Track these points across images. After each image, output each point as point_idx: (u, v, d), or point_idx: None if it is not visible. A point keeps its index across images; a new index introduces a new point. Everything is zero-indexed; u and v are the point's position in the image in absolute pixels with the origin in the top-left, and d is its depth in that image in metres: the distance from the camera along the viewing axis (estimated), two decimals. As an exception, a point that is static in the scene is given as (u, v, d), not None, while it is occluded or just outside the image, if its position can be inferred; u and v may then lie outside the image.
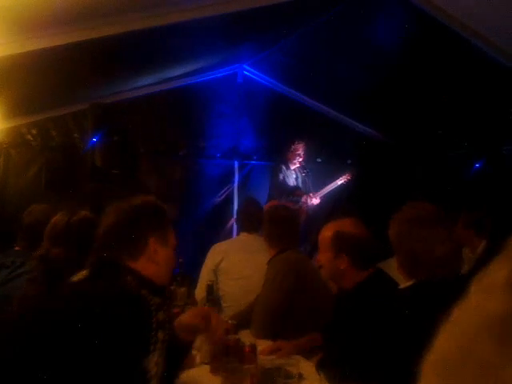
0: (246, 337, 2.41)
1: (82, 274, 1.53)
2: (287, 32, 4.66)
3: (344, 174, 5.84)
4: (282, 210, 3.03)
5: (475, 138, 5.31)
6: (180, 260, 3.36)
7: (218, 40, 4.42)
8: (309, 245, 5.72)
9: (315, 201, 5.65)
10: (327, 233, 2.23)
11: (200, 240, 4.82)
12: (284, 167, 5.60)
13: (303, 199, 5.53)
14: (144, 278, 1.55)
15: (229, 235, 5.51)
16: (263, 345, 2.42)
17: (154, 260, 1.59)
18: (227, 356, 2.06)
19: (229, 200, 5.89)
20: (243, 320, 2.70)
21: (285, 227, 2.88)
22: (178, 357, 1.74)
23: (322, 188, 5.79)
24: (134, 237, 1.57)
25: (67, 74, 3.94)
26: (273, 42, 4.97)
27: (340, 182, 5.78)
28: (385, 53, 4.41)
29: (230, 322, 2.39)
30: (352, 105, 5.80)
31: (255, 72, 5.83)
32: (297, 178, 5.64)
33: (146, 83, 5.06)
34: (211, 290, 2.74)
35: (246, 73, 5.81)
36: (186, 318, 1.83)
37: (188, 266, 3.70)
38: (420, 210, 1.81)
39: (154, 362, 1.40)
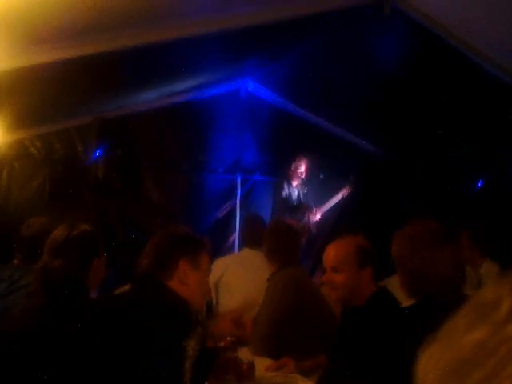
0: (244, 354, 2.39)
1: (125, 289, 1.82)
2: (291, 48, 4.69)
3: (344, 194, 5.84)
4: (283, 226, 3.03)
5: (478, 153, 5.31)
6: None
7: (222, 55, 4.45)
8: (311, 261, 5.70)
9: (317, 217, 5.64)
10: (347, 248, 2.20)
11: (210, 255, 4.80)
12: (286, 183, 5.60)
13: (306, 216, 5.52)
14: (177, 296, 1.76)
15: (231, 250, 5.49)
16: (262, 362, 2.40)
17: (183, 281, 1.78)
18: (225, 374, 2.04)
19: (231, 215, 5.87)
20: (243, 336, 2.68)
21: (285, 243, 2.87)
22: (207, 362, 1.97)
23: (324, 204, 5.78)
24: (166, 258, 1.80)
25: (71, 88, 3.96)
26: (276, 58, 4.99)
27: (340, 196, 5.75)
28: (387, 69, 4.43)
29: (228, 338, 2.37)
30: (354, 121, 5.81)
31: (259, 87, 5.86)
32: (299, 195, 5.64)
33: (150, 98, 5.08)
34: (210, 306, 2.73)
35: (249, 88, 5.83)
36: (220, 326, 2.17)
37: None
38: (424, 228, 1.79)
39: (192, 346, 1.65)
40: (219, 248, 5.39)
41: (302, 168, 5.60)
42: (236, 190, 6.01)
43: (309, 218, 5.53)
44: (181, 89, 5.18)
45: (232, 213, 5.90)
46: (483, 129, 4.77)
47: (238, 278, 3.15)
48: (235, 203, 5.96)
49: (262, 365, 2.36)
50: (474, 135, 4.94)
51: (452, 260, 1.71)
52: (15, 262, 2.58)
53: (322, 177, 6.19)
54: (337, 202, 5.79)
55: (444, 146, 5.43)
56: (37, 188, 4.80)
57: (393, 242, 1.85)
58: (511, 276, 0.33)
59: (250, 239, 3.40)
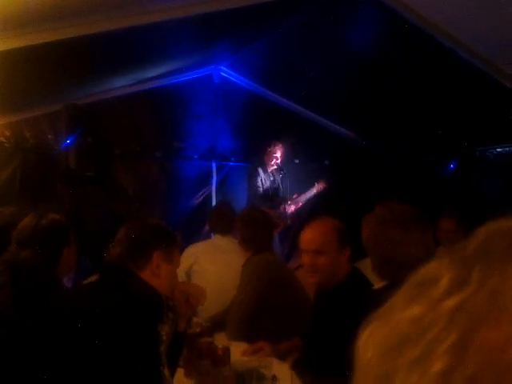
0: (221, 339, 2.40)
1: (93, 279, 1.84)
2: (263, 33, 4.67)
3: (320, 178, 5.83)
4: (255, 213, 3.03)
5: (449, 140, 5.38)
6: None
7: (193, 40, 4.40)
8: (286, 247, 5.73)
9: (292, 207, 5.64)
10: (327, 229, 2.21)
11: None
12: (261, 169, 5.58)
13: (281, 208, 5.49)
14: (148, 284, 1.77)
15: (207, 237, 5.48)
16: (238, 346, 2.41)
17: (155, 273, 1.80)
18: (200, 359, 2.05)
19: (207, 202, 5.85)
20: (218, 322, 2.69)
21: (258, 231, 2.88)
22: (178, 347, 1.99)
23: (299, 189, 5.79)
24: (140, 249, 1.81)
25: (41, 75, 3.88)
26: (248, 43, 4.96)
27: (315, 191, 5.75)
28: (361, 55, 4.44)
29: (204, 324, 2.38)
30: (328, 106, 5.83)
31: (232, 73, 5.82)
32: (274, 181, 5.63)
33: (122, 84, 5.01)
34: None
35: (222, 74, 5.79)
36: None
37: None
38: (393, 211, 1.79)
39: (165, 331, 1.69)
40: (194, 235, 5.37)
41: (277, 153, 5.58)
42: (211, 176, 5.99)
43: (284, 208, 5.51)
44: (153, 74, 5.12)
45: (207, 200, 5.88)
46: (454, 113, 4.83)
47: (210, 265, 3.15)
48: (210, 190, 5.94)
49: (238, 349, 2.37)
50: (446, 121, 5.00)
51: (423, 242, 1.72)
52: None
53: (297, 162, 6.21)
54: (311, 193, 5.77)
55: (417, 132, 5.49)
56: (8, 177, 4.70)
57: (363, 226, 1.86)
58: (452, 252, 0.33)
59: (221, 226, 3.41)
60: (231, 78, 5.84)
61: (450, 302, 0.29)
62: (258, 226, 2.88)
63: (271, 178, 5.62)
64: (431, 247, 1.81)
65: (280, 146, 5.58)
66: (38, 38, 3.24)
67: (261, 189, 5.53)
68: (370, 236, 1.82)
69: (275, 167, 5.59)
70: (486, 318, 0.27)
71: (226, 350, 2.08)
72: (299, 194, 5.73)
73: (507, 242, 0.31)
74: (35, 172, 4.75)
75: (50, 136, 4.85)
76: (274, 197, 5.56)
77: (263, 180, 5.57)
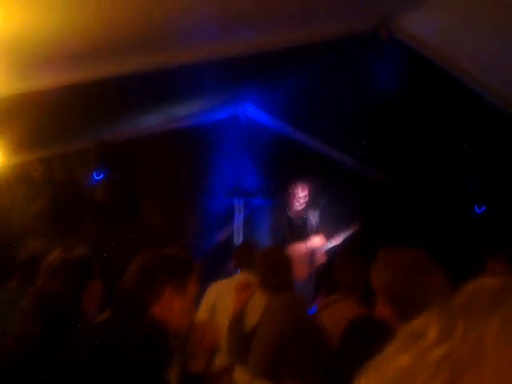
0: (241, 373, 2.38)
1: (105, 316, 1.81)
2: (290, 74, 4.76)
3: (351, 219, 5.77)
4: (275, 255, 3.03)
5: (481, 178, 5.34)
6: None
7: (222, 81, 4.51)
8: (314, 285, 5.63)
9: (326, 246, 5.55)
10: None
11: (201, 278, 4.77)
12: (286, 209, 5.59)
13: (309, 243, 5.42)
14: (160, 320, 1.71)
15: (231, 274, 5.48)
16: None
17: (167, 308, 1.73)
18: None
19: (231, 239, 5.88)
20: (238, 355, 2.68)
21: (277, 272, 2.87)
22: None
23: (326, 228, 5.74)
24: (150, 285, 1.74)
25: (72, 113, 4.02)
26: (275, 84, 5.06)
27: (350, 231, 5.68)
28: (385, 95, 4.48)
29: (225, 363, 2.36)
30: (354, 146, 5.85)
31: (258, 112, 5.92)
32: (299, 220, 5.61)
33: (151, 123, 5.14)
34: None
35: (248, 113, 5.90)
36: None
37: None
38: (411, 257, 1.75)
39: (174, 373, 1.69)
40: (218, 272, 5.37)
41: (302, 192, 5.58)
42: (236, 214, 6.03)
43: (315, 244, 5.44)
44: (181, 114, 5.24)
45: (232, 236, 5.91)
46: (480, 151, 4.81)
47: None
48: (235, 227, 5.96)
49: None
50: (471, 161, 4.97)
51: (441, 285, 1.67)
52: (12, 284, 2.59)
53: (321, 201, 6.19)
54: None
55: (445, 173, 5.46)
56: (37, 210, 4.82)
57: (377, 273, 1.81)
58: (439, 306, 0.35)
59: (246, 262, 3.41)
60: (257, 117, 5.94)
61: (437, 352, 0.31)
62: (276, 267, 2.87)
63: (296, 218, 5.61)
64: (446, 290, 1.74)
65: (304, 185, 5.58)
66: (71, 78, 3.37)
67: (285, 227, 5.53)
68: (390, 283, 1.75)
69: (299, 206, 5.57)
70: (469, 368, 0.29)
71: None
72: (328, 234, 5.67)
73: (488, 299, 0.33)
74: (64, 206, 4.86)
75: (79, 172, 4.98)
76: (298, 233, 5.52)
77: (288, 218, 5.57)
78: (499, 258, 3.81)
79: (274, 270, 2.86)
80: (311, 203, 5.71)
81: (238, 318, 2.89)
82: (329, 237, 5.53)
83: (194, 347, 1.87)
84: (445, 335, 0.32)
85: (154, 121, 5.13)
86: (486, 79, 3.88)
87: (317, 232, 5.53)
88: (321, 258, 5.41)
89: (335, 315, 2.85)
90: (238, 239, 5.87)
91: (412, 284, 1.67)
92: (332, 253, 5.49)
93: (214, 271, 5.01)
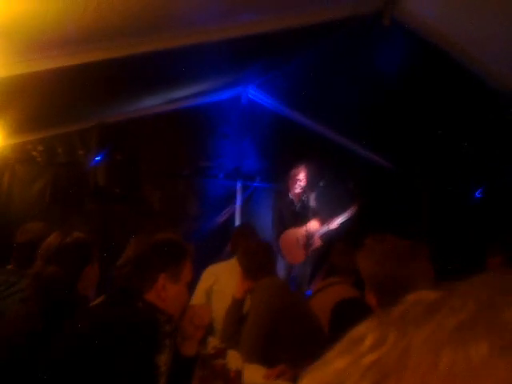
0: (234, 357, 2.42)
1: (99, 301, 1.83)
2: (292, 56, 4.74)
3: (349, 203, 5.78)
4: (257, 245, 3.07)
5: (478, 165, 5.33)
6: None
7: (224, 63, 4.49)
8: (310, 268, 5.68)
9: (324, 229, 5.55)
10: None
11: (200, 260, 4.81)
12: (286, 190, 5.60)
13: (309, 228, 5.42)
14: (153, 306, 1.74)
15: (229, 257, 5.50)
16: (253, 369, 2.42)
17: (160, 296, 1.74)
18: (214, 381, 2.07)
19: (230, 221, 5.90)
20: (232, 339, 2.72)
21: (261, 261, 2.91)
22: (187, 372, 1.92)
23: (323, 212, 5.76)
24: (144, 273, 1.75)
25: (73, 93, 4.01)
26: (277, 65, 5.04)
27: (348, 214, 5.67)
28: (387, 79, 4.46)
29: (218, 346, 2.40)
30: (354, 129, 5.84)
31: (259, 94, 5.90)
32: (299, 202, 5.63)
33: (151, 104, 5.13)
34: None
35: (250, 95, 5.88)
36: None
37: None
38: (397, 246, 1.74)
39: (163, 361, 1.65)
40: (217, 254, 5.41)
41: (302, 175, 5.58)
42: (236, 196, 6.04)
43: (311, 228, 5.45)
44: (182, 95, 5.23)
45: (231, 219, 5.93)
46: (481, 138, 4.80)
47: (229, 285, 3.17)
48: (234, 209, 5.99)
49: (254, 372, 2.38)
50: (473, 145, 4.96)
51: (426, 273, 1.67)
52: (11, 266, 2.62)
53: (321, 184, 6.21)
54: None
55: (445, 157, 5.45)
56: (38, 191, 4.84)
57: (363, 259, 1.81)
58: (381, 315, 0.37)
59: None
60: (259, 99, 5.92)
61: (369, 358, 0.33)
62: (259, 257, 2.92)
63: (296, 201, 5.62)
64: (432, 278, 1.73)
65: (304, 168, 5.58)
66: (73, 59, 3.37)
67: (286, 209, 5.55)
68: (375, 270, 1.73)
69: (300, 189, 5.58)
70: (392, 374, 0.31)
71: (238, 373, 2.11)
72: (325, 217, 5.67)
73: (423, 310, 0.34)
74: (65, 187, 4.87)
75: (81, 152, 4.98)
76: (298, 216, 5.54)
77: (288, 201, 5.58)
78: (496, 251, 3.84)
79: (258, 262, 2.90)
80: (311, 186, 5.71)
81: (238, 304, 2.93)
82: (327, 220, 5.54)
83: (186, 328, 1.88)
84: (379, 342, 0.33)
85: (154, 102, 5.12)
86: (490, 63, 3.85)
87: (315, 215, 5.55)
88: (317, 242, 5.43)
89: (329, 298, 2.89)
90: (238, 222, 5.89)
91: (396, 273, 1.66)
92: (329, 236, 5.52)
93: (212, 254, 5.06)
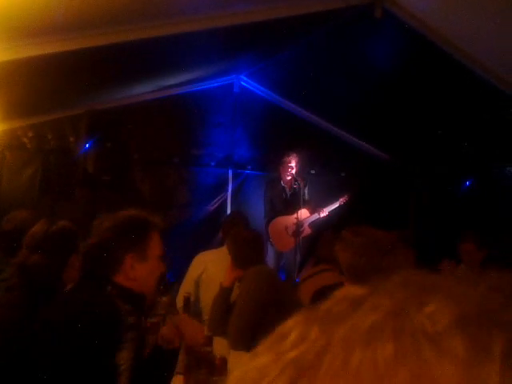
0: (220, 344, 2.45)
1: (71, 285, 1.75)
2: (284, 45, 4.72)
3: (335, 190, 5.81)
4: (246, 233, 3.09)
5: (466, 157, 5.37)
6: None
7: (215, 51, 4.48)
8: (300, 256, 5.70)
9: (314, 217, 5.57)
10: None
11: (191, 248, 4.82)
12: (277, 178, 5.62)
13: (299, 216, 5.42)
14: (124, 289, 1.67)
15: (220, 244, 5.52)
16: (239, 356, 2.45)
17: (129, 276, 1.67)
18: (199, 368, 2.10)
19: (221, 209, 5.92)
20: (219, 328, 2.75)
21: (250, 249, 2.94)
22: (168, 361, 1.86)
23: (315, 200, 5.78)
24: (110, 255, 1.67)
25: (64, 80, 4.00)
26: (269, 55, 5.02)
27: (338, 203, 5.69)
28: (378, 69, 4.47)
29: (205, 333, 2.43)
30: (346, 118, 5.85)
31: (252, 83, 5.89)
32: (290, 191, 5.64)
33: (142, 91, 5.11)
34: (188, 301, 2.78)
35: (242, 83, 5.86)
36: (164, 330, 1.91)
37: (178, 274, 3.75)
38: (374, 238, 1.75)
39: (124, 358, 1.55)
40: (209, 241, 5.43)
41: (294, 162, 5.58)
42: (227, 183, 6.05)
43: (302, 216, 5.45)
44: (174, 82, 5.21)
45: (223, 206, 5.95)
46: (471, 131, 4.83)
47: (218, 274, 3.17)
48: (226, 197, 6.00)
49: (241, 359, 2.41)
50: (463, 138, 4.99)
51: (403, 266, 1.67)
52: (-2, 253, 2.63)
53: (312, 172, 6.23)
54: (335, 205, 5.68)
55: (434, 148, 5.48)
56: (28, 178, 4.82)
57: (338, 252, 1.82)
58: (308, 311, 0.38)
59: None
60: (251, 87, 5.91)
61: (290, 355, 0.33)
62: (248, 246, 2.94)
63: (287, 188, 5.64)
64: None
65: (296, 156, 5.58)
66: (64, 46, 3.35)
67: (277, 197, 5.57)
68: (353, 263, 1.74)
69: (290, 178, 5.58)
70: (308, 372, 0.31)
71: (224, 360, 2.13)
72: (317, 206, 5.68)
73: (345, 307, 0.35)
74: (55, 174, 4.86)
75: (71, 139, 4.95)
76: (289, 204, 5.55)
77: (280, 188, 5.60)
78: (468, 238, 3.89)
79: (247, 250, 2.92)
80: (302, 174, 5.73)
81: (226, 293, 2.95)
82: (317, 209, 5.57)
83: (170, 342, 1.84)
84: (301, 338, 0.33)
85: (145, 89, 5.10)
86: (480, 55, 3.87)
87: (306, 203, 5.57)
88: (306, 230, 5.45)
89: (314, 285, 2.93)
90: (229, 210, 5.90)
91: (373, 265, 1.68)
92: (320, 225, 5.55)
93: (204, 242, 5.07)
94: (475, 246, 3.88)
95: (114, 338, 1.53)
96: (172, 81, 5.13)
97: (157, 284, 1.87)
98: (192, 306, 2.96)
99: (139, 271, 1.69)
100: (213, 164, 5.90)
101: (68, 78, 3.98)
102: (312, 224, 5.54)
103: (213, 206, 5.88)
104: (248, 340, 2.64)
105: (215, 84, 5.68)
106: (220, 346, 2.48)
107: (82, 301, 1.61)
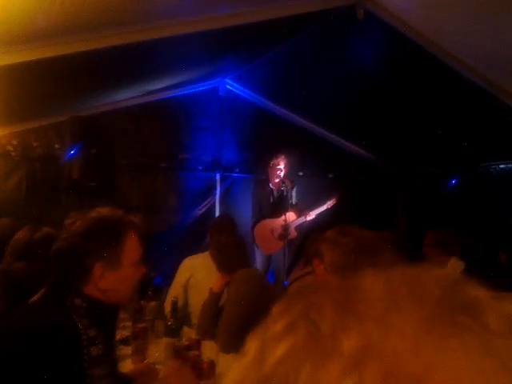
0: (208, 349, 2.44)
1: (38, 296, 1.55)
2: (269, 48, 4.74)
3: (323, 192, 5.82)
4: (225, 239, 3.10)
5: (453, 155, 5.41)
6: (152, 274, 3.39)
7: (200, 55, 4.48)
8: (289, 258, 5.71)
9: (301, 220, 5.57)
10: None
11: (179, 253, 4.81)
12: (265, 181, 5.62)
13: (286, 218, 5.42)
14: (93, 301, 1.51)
15: (208, 248, 5.51)
16: (228, 359, 2.45)
17: (99, 287, 1.51)
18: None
19: (210, 213, 5.91)
20: (208, 332, 2.74)
21: (232, 255, 2.94)
22: None
23: (303, 202, 5.79)
24: (77, 263, 1.50)
25: (48, 86, 3.97)
26: (254, 57, 5.03)
27: (326, 206, 5.69)
28: (364, 70, 4.49)
29: (193, 337, 2.42)
30: (332, 120, 5.88)
31: (237, 86, 5.90)
32: (278, 193, 5.65)
33: (127, 96, 5.10)
34: (175, 306, 2.77)
35: (228, 87, 5.87)
36: None
37: (167, 278, 3.73)
38: (360, 237, 1.75)
39: (100, 375, 1.42)
40: (197, 245, 5.41)
41: (281, 165, 5.59)
42: (215, 187, 6.05)
43: (289, 219, 5.45)
44: (159, 87, 5.20)
45: (211, 211, 5.94)
46: (457, 130, 4.87)
47: (206, 279, 3.17)
48: (214, 201, 5.99)
49: (230, 362, 2.41)
50: (450, 137, 5.03)
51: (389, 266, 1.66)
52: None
53: (300, 174, 6.25)
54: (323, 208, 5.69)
55: (421, 148, 5.52)
56: (14, 186, 4.78)
57: (324, 252, 1.80)
58: (266, 322, 0.38)
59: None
60: (237, 91, 5.92)
61: (244, 372, 0.35)
62: (230, 252, 2.95)
63: (275, 191, 5.64)
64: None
65: (283, 158, 5.59)
66: (47, 52, 3.33)
67: (265, 199, 5.57)
68: (339, 262, 1.72)
69: (278, 180, 5.59)
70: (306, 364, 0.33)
71: (211, 364, 2.13)
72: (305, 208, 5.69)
73: (272, 319, 0.37)
74: (41, 181, 4.82)
75: (56, 146, 4.92)
76: (277, 206, 5.55)
77: (267, 191, 5.60)
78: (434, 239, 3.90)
79: (227, 256, 2.93)
80: (290, 177, 5.73)
81: (215, 298, 2.95)
82: (304, 212, 5.57)
83: None
84: (288, 330, 0.35)
85: (130, 94, 5.08)
86: (463, 54, 3.91)
87: (294, 206, 5.57)
88: (292, 233, 5.45)
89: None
90: (218, 213, 5.90)
91: (360, 265, 1.67)
92: (308, 227, 5.56)
93: (193, 246, 5.05)
94: (441, 250, 3.87)
95: (69, 356, 1.36)
96: (157, 85, 5.12)
97: (135, 291, 1.69)
98: (180, 311, 2.95)
99: (111, 281, 1.52)
100: (200, 168, 5.89)
101: (52, 84, 3.96)
102: (298, 227, 5.55)
103: (201, 210, 5.87)
104: (237, 342, 2.64)
105: (201, 88, 5.69)
106: (208, 350, 2.47)
107: (35, 316, 1.44)
